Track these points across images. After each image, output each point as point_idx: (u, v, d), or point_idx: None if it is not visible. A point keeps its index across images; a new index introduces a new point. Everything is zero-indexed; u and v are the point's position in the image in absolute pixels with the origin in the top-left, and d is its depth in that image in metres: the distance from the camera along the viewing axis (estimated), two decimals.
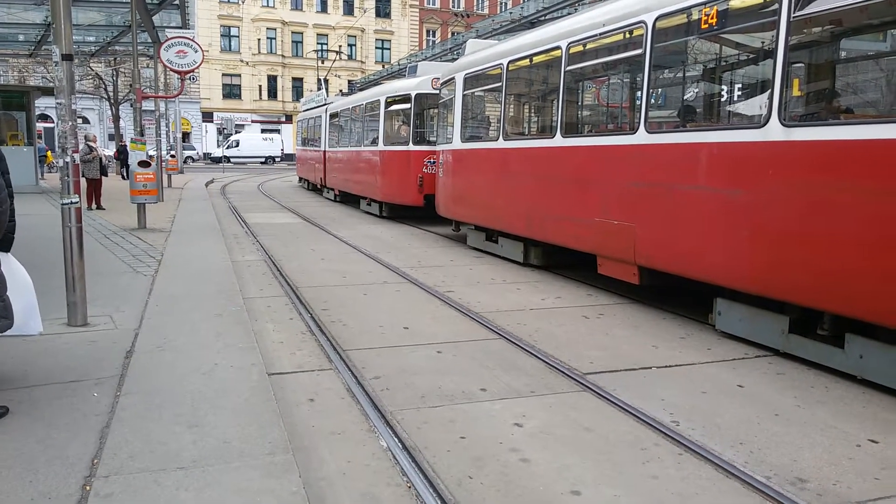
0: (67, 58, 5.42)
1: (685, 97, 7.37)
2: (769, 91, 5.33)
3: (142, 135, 13.27)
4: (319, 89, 27.30)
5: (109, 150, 36.08)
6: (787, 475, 3.45)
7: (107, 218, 13.37)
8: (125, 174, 23.12)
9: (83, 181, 14.98)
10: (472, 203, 10.93)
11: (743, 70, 6.94)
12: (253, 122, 55.50)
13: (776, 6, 5.24)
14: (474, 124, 11.48)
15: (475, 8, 57.06)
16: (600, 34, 7.54)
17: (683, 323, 6.51)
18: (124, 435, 3.45)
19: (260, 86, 55.23)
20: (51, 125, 41.24)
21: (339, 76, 53.37)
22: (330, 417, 4.08)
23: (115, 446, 3.32)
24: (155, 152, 20.45)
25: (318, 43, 55.61)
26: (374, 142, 16.10)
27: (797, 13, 5.12)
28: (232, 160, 48.04)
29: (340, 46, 54.92)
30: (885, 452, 3.76)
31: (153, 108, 22.79)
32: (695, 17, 6.20)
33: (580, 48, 7.98)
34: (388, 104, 15.48)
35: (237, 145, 50.36)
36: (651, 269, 6.82)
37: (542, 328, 6.23)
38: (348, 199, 19.78)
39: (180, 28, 18.02)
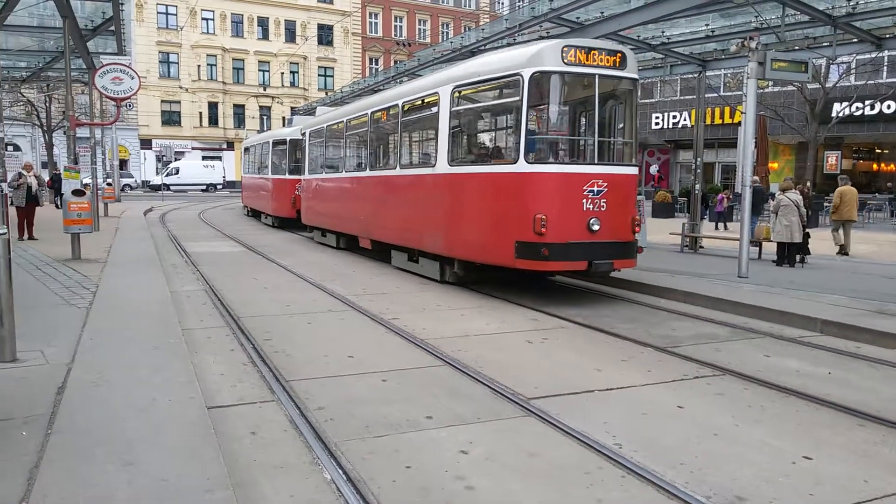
0: None
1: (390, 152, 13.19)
2: (438, 148, 10.10)
3: (76, 163, 12.89)
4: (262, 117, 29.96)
5: (44, 177, 34.82)
6: (726, 494, 3.53)
7: (39, 249, 12.88)
8: (59, 203, 22.36)
9: (12, 210, 14.50)
10: (316, 213, 16.68)
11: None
12: (193, 149, 54.32)
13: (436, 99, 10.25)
14: (314, 163, 17.21)
15: (417, 37, 57.70)
16: (354, 117, 13.75)
17: (624, 346, 6.64)
18: (54, 476, 3.30)
19: (200, 112, 54.18)
20: None
21: (282, 103, 53.07)
22: (272, 451, 4.00)
23: (43, 488, 3.17)
24: (90, 180, 19.92)
25: (259, 70, 55.20)
26: (267, 172, 22.48)
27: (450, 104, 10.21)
28: (172, 188, 46.93)
29: (283, 74, 54.73)
30: (818, 469, 3.89)
31: (88, 136, 22.22)
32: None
33: (354, 122, 13.80)
34: (274, 145, 21.95)
35: (177, 173, 49.24)
36: (375, 241, 12.65)
37: (487, 354, 6.25)
38: (255, 214, 25.51)
39: (116, 55, 17.67)
